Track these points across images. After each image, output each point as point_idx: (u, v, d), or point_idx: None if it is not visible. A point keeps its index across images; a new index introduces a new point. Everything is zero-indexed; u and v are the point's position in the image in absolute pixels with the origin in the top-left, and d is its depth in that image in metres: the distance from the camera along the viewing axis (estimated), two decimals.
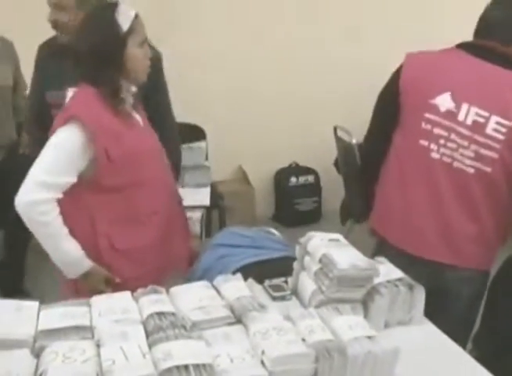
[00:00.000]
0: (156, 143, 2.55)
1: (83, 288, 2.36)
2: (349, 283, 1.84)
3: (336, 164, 5.13)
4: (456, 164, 2.43)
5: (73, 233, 2.34)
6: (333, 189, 5.55)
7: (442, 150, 2.45)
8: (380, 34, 5.77)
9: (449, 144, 2.43)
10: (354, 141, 4.46)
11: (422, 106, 2.49)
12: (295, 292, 2.02)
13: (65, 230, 2.30)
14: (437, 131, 2.45)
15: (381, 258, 2.11)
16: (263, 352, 1.54)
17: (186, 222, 2.78)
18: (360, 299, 1.89)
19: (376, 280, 1.91)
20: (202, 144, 4.66)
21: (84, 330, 1.66)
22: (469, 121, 2.38)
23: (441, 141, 2.44)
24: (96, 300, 1.83)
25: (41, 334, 1.64)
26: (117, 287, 2.24)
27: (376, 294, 1.90)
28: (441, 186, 2.48)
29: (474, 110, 2.38)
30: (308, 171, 6.01)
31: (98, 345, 1.57)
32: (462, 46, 2.53)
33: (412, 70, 2.60)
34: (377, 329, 1.75)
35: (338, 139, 4.82)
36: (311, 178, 6.00)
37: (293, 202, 5.90)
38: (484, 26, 2.49)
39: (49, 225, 2.26)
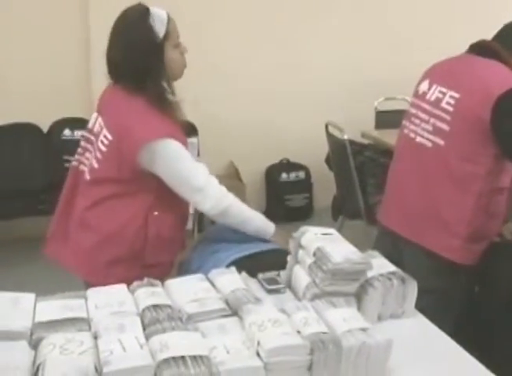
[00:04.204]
0: None
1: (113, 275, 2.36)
2: (343, 277, 1.85)
3: (327, 160, 5.15)
4: (418, 138, 2.62)
5: (128, 215, 2.41)
6: (325, 186, 5.57)
7: (411, 126, 2.68)
8: (375, 33, 5.81)
9: (415, 120, 2.66)
10: (345, 137, 4.48)
11: (413, 93, 2.77)
12: (289, 285, 2.04)
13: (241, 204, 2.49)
14: (412, 110, 2.71)
15: (374, 252, 2.13)
16: (259, 344, 1.55)
17: None
18: (354, 292, 1.90)
19: (370, 274, 1.93)
20: (194, 140, 4.66)
21: (81, 322, 1.68)
22: (432, 98, 2.60)
23: (412, 118, 2.69)
24: (92, 292, 1.85)
25: (38, 326, 1.66)
26: (146, 270, 2.32)
27: (370, 287, 1.92)
28: (405, 159, 2.72)
29: (438, 88, 2.60)
30: (299, 167, 6.02)
31: (95, 337, 1.59)
32: (469, 47, 2.68)
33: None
34: (371, 322, 1.76)
35: (330, 136, 4.84)
36: (302, 174, 6.00)
37: (284, 198, 5.91)
38: (501, 30, 2.64)
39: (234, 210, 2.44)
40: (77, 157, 2.56)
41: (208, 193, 2.37)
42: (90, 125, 2.52)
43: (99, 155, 2.45)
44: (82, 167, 2.52)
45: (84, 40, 5.04)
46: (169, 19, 2.36)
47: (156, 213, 2.42)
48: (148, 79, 2.34)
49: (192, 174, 2.37)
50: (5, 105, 4.99)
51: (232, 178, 5.68)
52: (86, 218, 2.48)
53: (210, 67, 5.36)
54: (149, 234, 2.42)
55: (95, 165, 2.46)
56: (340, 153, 4.62)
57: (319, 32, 5.72)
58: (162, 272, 2.39)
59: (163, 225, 2.45)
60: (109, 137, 2.39)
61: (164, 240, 2.46)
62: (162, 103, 2.36)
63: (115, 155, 2.38)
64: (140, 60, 2.32)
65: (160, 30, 2.32)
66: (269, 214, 5.73)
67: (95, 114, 2.53)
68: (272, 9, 5.56)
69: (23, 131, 5.16)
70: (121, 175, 2.39)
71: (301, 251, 2.00)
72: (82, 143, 2.55)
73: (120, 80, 2.41)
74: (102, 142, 2.43)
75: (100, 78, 2.49)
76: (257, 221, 2.51)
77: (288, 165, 6.02)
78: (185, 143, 2.41)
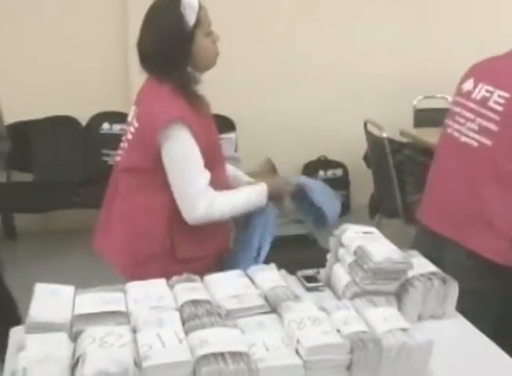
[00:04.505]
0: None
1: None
2: (384, 276, 1.83)
3: (365, 158, 5.12)
4: (463, 138, 2.54)
5: (155, 209, 2.39)
6: (362, 184, 5.55)
7: (455, 125, 2.60)
8: (415, 31, 5.77)
9: (459, 119, 2.59)
10: (384, 135, 4.45)
11: (456, 92, 2.70)
12: (328, 283, 2.02)
13: (227, 196, 2.40)
14: (456, 109, 2.62)
15: (413, 252, 2.11)
16: (298, 342, 1.54)
17: None
18: (394, 292, 1.88)
19: (410, 273, 1.91)
20: (231, 135, 4.66)
21: (120, 316, 1.68)
22: (478, 97, 2.53)
23: (456, 117, 2.61)
24: (131, 286, 1.85)
25: (78, 319, 1.67)
26: (183, 265, 2.27)
27: (410, 286, 1.90)
28: (449, 159, 2.65)
29: (485, 87, 2.52)
30: (336, 164, 5.99)
31: (134, 331, 1.59)
32: None
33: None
34: (411, 322, 1.74)
35: (368, 134, 4.80)
36: (339, 171, 5.98)
37: None
38: None
39: (224, 208, 2.37)
40: (118, 152, 2.56)
41: (199, 204, 2.31)
42: (128, 119, 2.53)
43: (126, 145, 2.47)
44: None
45: (124, 33, 5.06)
46: (200, 7, 2.33)
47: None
48: (174, 67, 2.33)
49: (193, 175, 2.32)
50: (45, 98, 5.04)
51: (269, 175, 5.67)
52: (121, 212, 2.48)
53: (250, 63, 5.37)
54: (177, 230, 2.40)
55: (124, 155, 2.48)
56: (378, 151, 4.59)
57: (360, 29, 5.69)
58: (200, 267, 2.36)
59: (198, 227, 2.41)
60: (136, 125, 2.40)
61: (194, 235, 2.43)
62: (187, 92, 2.34)
63: (140, 143, 2.38)
64: (169, 48, 2.30)
65: (190, 17, 2.30)
66: None
67: (132, 108, 2.53)
68: (311, 2, 5.55)
69: (62, 125, 5.22)
70: (146, 165, 2.38)
71: (341, 250, 1.99)
72: (123, 138, 2.55)
73: (150, 68, 2.40)
74: (130, 131, 2.44)
75: (139, 72, 2.49)
76: (245, 204, 2.43)
77: (325, 162, 5.99)
78: (212, 141, 2.41)
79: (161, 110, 2.31)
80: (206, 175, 2.33)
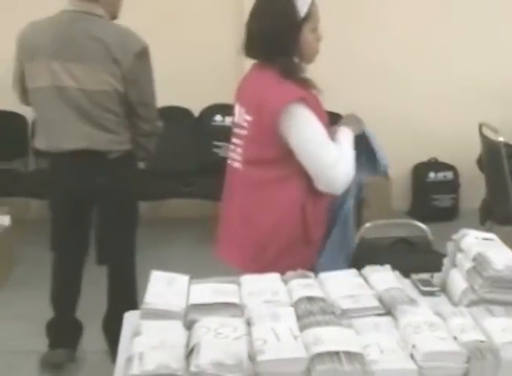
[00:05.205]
0: None
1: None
2: (503, 285, 1.77)
3: (479, 161, 5.00)
4: None
5: (284, 205, 2.39)
6: (473, 187, 5.42)
7: None
8: None
9: None
10: (500, 139, 4.33)
11: None
12: (443, 288, 1.98)
13: (344, 153, 2.36)
14: None
15: None
16: (414, 346, 1.51)
17: None
18: None
19: None
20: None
21: (234, 308, 1.69)
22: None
23: None
24: (246, 279, 1.86)
25: (192, 308, 1.69)
26: (308, 249, 2.38)
27: None
28: None
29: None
30: (447, 167, 5.89)
31: (248, 324, 1.60)
32: None
33: None
34: None
35: (483, 137, 4.68)
36: (450, 174, 5.88)
37: (431, 198, 5.79)
38: None
39: (350, 166, 2.36)
40: (229, 154, 2.57)
41: (339, 173, 2.32)
42: (235, 119, 2.53)
43: (243, 142, 2.46)
44: (235, 164, 2.52)
45: (239, 26, 5.08)
46: (313, 2, 2.33)
47: (311, 198, 2.38)
48: (280, 54, 2.32)
49: (325, 148, 2.32)
50: (159, 88, 5.13)
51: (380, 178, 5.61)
52: (244, 212, 2.47)
53: (361, 62, 5.34)
54: (308, 216, 2.39)
55: (242, 153, 2.47)
56: (493, 155, 4.46)
57: (475, 30, 5.55)
58: (318, 248, 2.42)
59: (320, 208, 2.42)
60: (248, 118, 2.40)
61: (321, 214, 2.45)
62: (293, 77, 2.33)
63: (257, 133, 2.38)
64: (276, 34, 2.30)
65: (301, 9, 2.29)
66: (414, 212, 5.65)
67: (236, 107, 2.54)
68: (419, 6, 5.46)
69: (175, 115, 5.30)
70: (267, 155, 2.38)
71: (459, 255, 1.94)
72: (233, 140, 2.54)
73: (253, 53, 2.41)
74: (243, 127, 2.44)
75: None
76: (351, 152, 2.41)
77: (436, 164, 5.90)
78: (325, 122, 2.39)
79: (275, 96, 2.31)
80: (334, 146, 2.34)
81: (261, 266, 2.32)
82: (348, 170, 2.34)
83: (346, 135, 2.43)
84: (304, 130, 2.30)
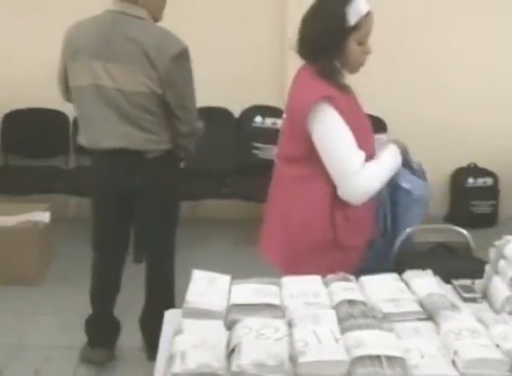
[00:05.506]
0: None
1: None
2: None
3: None
4: None
5: (312, 203, 2.39)
6: None
7: None
8: None
9: None
10: None
11: None
12: (485, 295, 1.96)
13: (374, 167, 2.35)
14: None
15: None
16: (455, 353, 1.51)
17: None
18: None
19: None
20: (382, 136, 4.63)
21: (275, 309, 1.70)
22: None
23: None
24: (287, 281, 1.87)
25: (234, 308, 1.70)
26: (344, 253, 2.35)
27: None
28: None
29: None
30: (486, 173, 5.81)
31: (289, 325, 1.60)
32: None
33: None
34: None
35: None
36: (489, 180, 5.79)
37: (469, 204, 5.72)
38: None
39: (376, 181, 2.35)
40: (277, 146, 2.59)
41: (358, 183, 2.30)
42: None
43: (282, 137, 2.49)
44: (276, 160, 2.55)
45: (282, 29, 5.09)
46: (367, 15, 2.33)
47: (340, 201, 2.36)
48: (321, 55, 2.33)
49: (346, 155, 2.29)
50: (200, 88, 5.15)
51: None
52: (280, 209, 2.50)
53: (400, 66, 5.31)
54: (338, 217, 2.38)
55: (280, 147, 2.50)
56: None
57: None
58: (357, 257, 2.40)
59: (354, 214, 2.40)
60: (284, 115, 2.43)
61: (352, 221, 2.41)
62: (329, 79, 2.33)
63: (289, 130, 2.41)
64: (319, 34, 2.32)
65: (351, 18, 2.29)
66: (452, 218, 5.60)
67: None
68: (459, 9, 5.41)
69: (216, 115, 5.30)
70: (296, 152, 2.39)
71: (502, 261, 1.92)
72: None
73: (301, 53, 2.41)
74: (282, 123, 2.47)
75: (296, 69, 2.50)
76: (390, 169, 2.39)
77: (475, 170, 5.82)
78: (362, 126, 2.39)
79: (305, 93, 2.33)
80: (359, 155, 2.30)
81: (292, 263, 2.37)
82: (370, 183, 2.32)
83: (390, 152, 2.42)
84: (327, 131, 2.30)
